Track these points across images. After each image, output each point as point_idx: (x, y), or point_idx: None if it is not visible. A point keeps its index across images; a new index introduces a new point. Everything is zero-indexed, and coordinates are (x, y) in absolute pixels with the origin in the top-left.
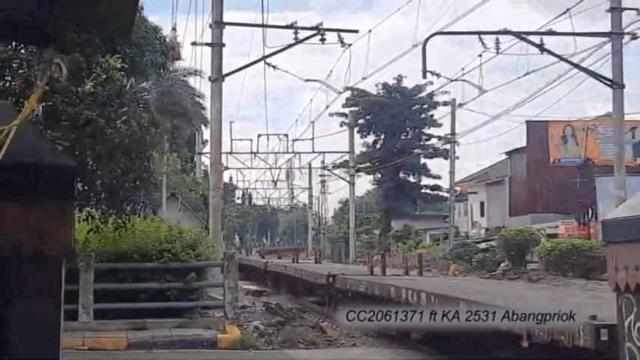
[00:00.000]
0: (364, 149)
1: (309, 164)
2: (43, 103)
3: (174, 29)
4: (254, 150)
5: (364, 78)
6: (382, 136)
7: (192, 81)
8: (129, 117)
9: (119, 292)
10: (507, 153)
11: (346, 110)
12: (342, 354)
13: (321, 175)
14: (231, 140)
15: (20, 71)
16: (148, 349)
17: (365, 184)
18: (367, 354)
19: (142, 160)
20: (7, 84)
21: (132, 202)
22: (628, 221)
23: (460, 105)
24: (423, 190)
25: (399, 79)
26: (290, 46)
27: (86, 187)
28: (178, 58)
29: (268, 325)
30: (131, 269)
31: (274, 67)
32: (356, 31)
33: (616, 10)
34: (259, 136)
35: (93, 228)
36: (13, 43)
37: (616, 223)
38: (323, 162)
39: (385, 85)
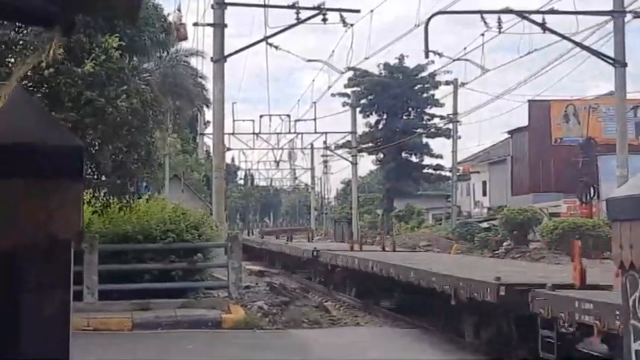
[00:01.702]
0: (366, 129)
1: (312, 145)
2: (46, 85)
3: (178, 10)
4: (256, 131)
5: (366, 58)
6: (384, 116)
7: (193, 62)
8: (129, 95)
9: (123, 273)
10: (509, 132)
11: (348, 90)
12: (346, 333)
13: (323, 156)
14: (234, 121)
15: (25, 54)
16: (153, 329)
17: (367, 164)
18: (371, 333)
19: (145, 137)
20: (12, 66)
21: (136, 182)
22: (633, 199)
23: (462, 84)
24: (425, 170)
25: (401, 58)
26: (292, 26)
27: (90, 168)
28: (185, 38)
29: (272, 305)
30: (135, 250)
31: (276, 47)
32: (358, 11)
33: None
34: (261, 116)
35: (97, 209)
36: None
37: (621, 201)
38: (325, 142)
39: (387, 65)
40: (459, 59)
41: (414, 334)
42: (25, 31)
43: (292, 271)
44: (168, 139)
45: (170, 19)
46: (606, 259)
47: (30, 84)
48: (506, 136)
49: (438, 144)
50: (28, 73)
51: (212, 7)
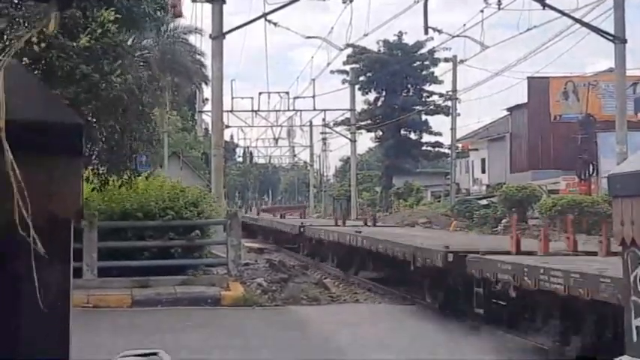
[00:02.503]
0: (365, 107)
1: (310, 122)
2: (43, 61)
3: None
4: (255, 108)
5: (365, 35)
6: (383, 94)
7: (192, 39)
8: (124, 71)
9: (123, 251)
10: (508, 109)
11: (347, 67)
12: (346, 310)
13: (322, 133)
14: (232, 98)
15: (21, 31)
16: (152, 306)
17: (366, 141)
18: (370, 310)
19: (142, 116)
20: (8, 42)
21: (135, 159)
22: (634, 175)
23: (461, 61)
24: (424, 148)
25: (400, 35)
26: (291, 2)
27: (88, 145)
28: (180, 15)
29: (271, 282)
30: (134, 227)
31: (275, 24)
32: None
33: None
34: (260, 94)
35: (96, 187)
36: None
37: (622, 177)
38: (324, 120)
39: (386, 42)
40: (458, 36)
41: (411, 310)
42: (21, 6)
43: (282, 245)
44: (169, 117)
45: None
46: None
47: (26, 60)
48: (506, 113)
49: (437, 121)
50: (24, 49)
51: None
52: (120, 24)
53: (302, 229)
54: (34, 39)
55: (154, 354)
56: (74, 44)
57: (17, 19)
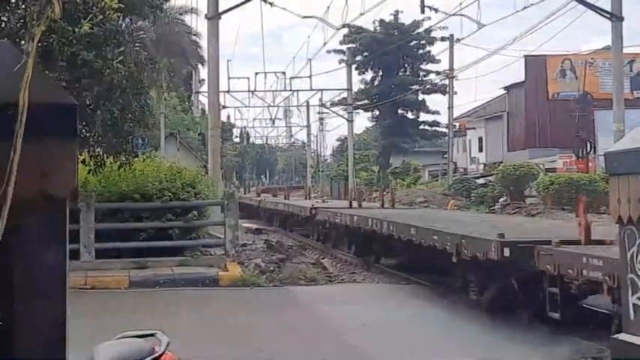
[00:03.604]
0: (362, 86)
1: (307, 102)
2: (40, 44)
3: None
4: (252, 88)
5: (362, 14)
6: (380, 73)
7: (187, 19)
8: (125, 57)
9: (120, 232)
10: (506, 88)
11: (344, 47)
12: (344, 290)
13: (319, 113)
14: (229, 79)
15: (18, 11)
16: (150, 287)
17: (363, 121)
18: (368, 289)
19: (140, 98)
20: (4, 24)
21: (132, 140)
22: (631, 153)
23: (458, 40)
24: (421, 127)
25: (396, 14)
26: None
27: (86, 128)
28: None
29: (269, 263)
30: (132, 209)
31: (271, 4)
32: None
33: None
34: (257, 74)
35: (93, 169)
36: None
37: (619, 156)
38: (321, 100)
39: (382, 22)
40: (454, 14)
41: (409, 289)
42: None
43: (290, 229)
44: (166, 99)
45: None
46: (603, 214)
47: (22, 42)
48: (503, 91)
49: (435, 100)
50: (20, 31)
51: None
52: (120, 11)
53: (314, 212)
54: (34, 22)
55: (152, 335)
56: (75, 30)
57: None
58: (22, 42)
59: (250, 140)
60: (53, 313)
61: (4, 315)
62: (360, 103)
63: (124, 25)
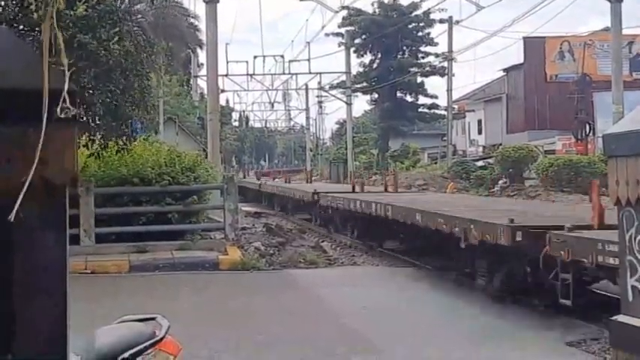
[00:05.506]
0: (361, 69)
1: (306, 85)
2: (37, 29)
3: None
4: (250, 72)
5: None
6: (379, 56)
7: (186, 2)
8: (121, 37)
9: (120, 217)
10: (505, 70)
11: (342, 30)
12: (343, 273)
13: (318, 97)
14: (227, 62)
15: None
16: (150, 271)
17: (362, 104)
18: (368, 272)
19: (140, 79)
20: (1, 9)
21: (130, 124)
22: (630, 135)
23: (457, 22)
24: (420, 109)
25: None
26: None
27: (85, 112)
28: None
29: (269, 246)
30: (131, 193)
31: None
32: None
33: None
34: (255, 57)
35: (93, 152)
36: None
37: (618, 137)
38: (320, 83)
39: (381, 4)
40: None
41: (410, 272)
42: None
43: (291, 213)
44: (164, 83)
45: None
46: (602, 195)
47: (21, 28)
48: (502, 73)
49: (434, 83)
50: (18, 17)
51: None
52: None
53: (316, 197)
54: (33, 7)
55: (152, 319)
56: (71, 12)
57: None
58: (21, 27)
59: (249, 124)
60: (53, 307)
61: (2, 310)
62: (358, 86)
63: (120, 4)
